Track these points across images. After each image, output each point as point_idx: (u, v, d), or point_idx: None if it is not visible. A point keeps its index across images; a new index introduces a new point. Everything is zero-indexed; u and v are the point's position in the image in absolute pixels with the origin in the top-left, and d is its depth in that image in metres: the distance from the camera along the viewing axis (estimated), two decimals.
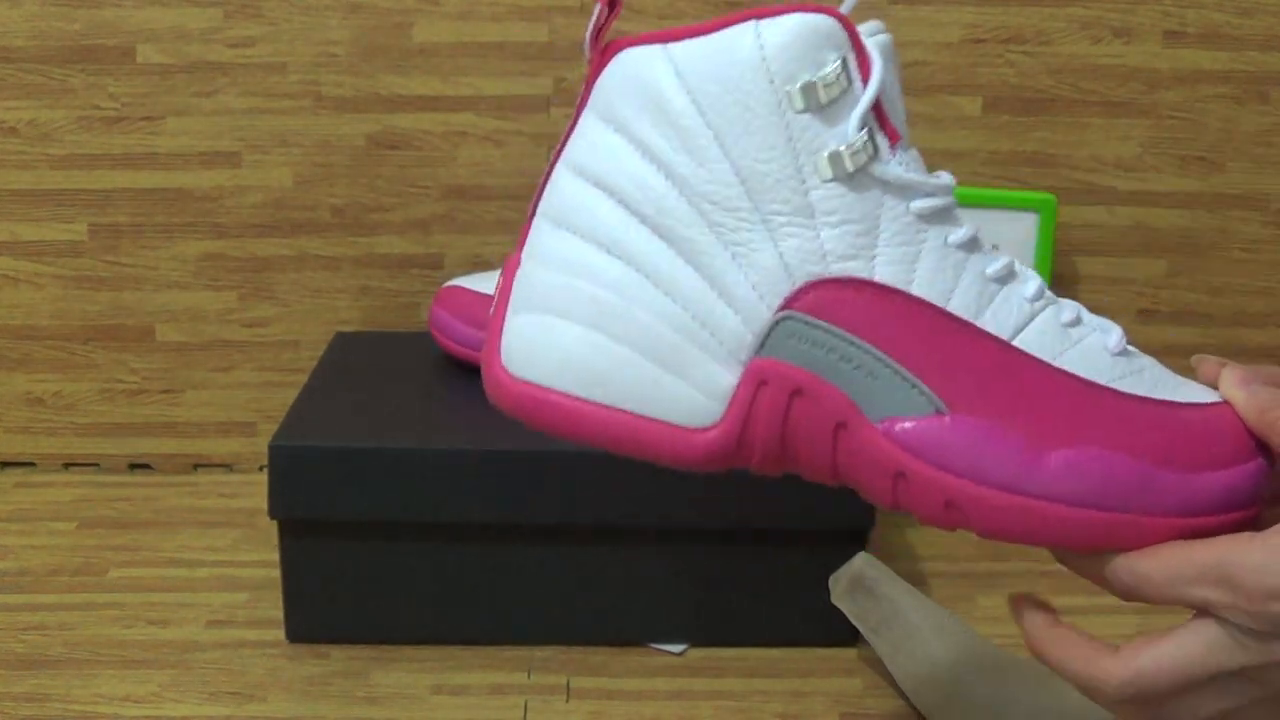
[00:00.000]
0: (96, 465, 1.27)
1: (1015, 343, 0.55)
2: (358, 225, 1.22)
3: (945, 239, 0.55)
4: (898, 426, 0.54)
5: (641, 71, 0.54)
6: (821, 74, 0.53)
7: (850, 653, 0.98)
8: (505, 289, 0.57)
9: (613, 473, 0.94)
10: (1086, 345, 0.56)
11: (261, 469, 1.27)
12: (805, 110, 0.53)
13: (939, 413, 0.54)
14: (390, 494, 0.95)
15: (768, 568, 0.97)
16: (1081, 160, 1.21)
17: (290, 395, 1.25)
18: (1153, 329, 1.24)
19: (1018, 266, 0.57)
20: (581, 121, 0.56)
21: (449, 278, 1.23)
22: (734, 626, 0.99)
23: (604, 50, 0.56)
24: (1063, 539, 0.54)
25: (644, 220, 0.55)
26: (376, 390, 1.05)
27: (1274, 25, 1.18)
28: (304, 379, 1.25)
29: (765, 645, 0.99)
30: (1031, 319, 0.56)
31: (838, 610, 0.98)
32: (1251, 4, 1.18)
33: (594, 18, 0.55)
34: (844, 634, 0.99)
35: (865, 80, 0.54)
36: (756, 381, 0.54)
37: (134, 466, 1.27)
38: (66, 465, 1.27)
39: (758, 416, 0.55)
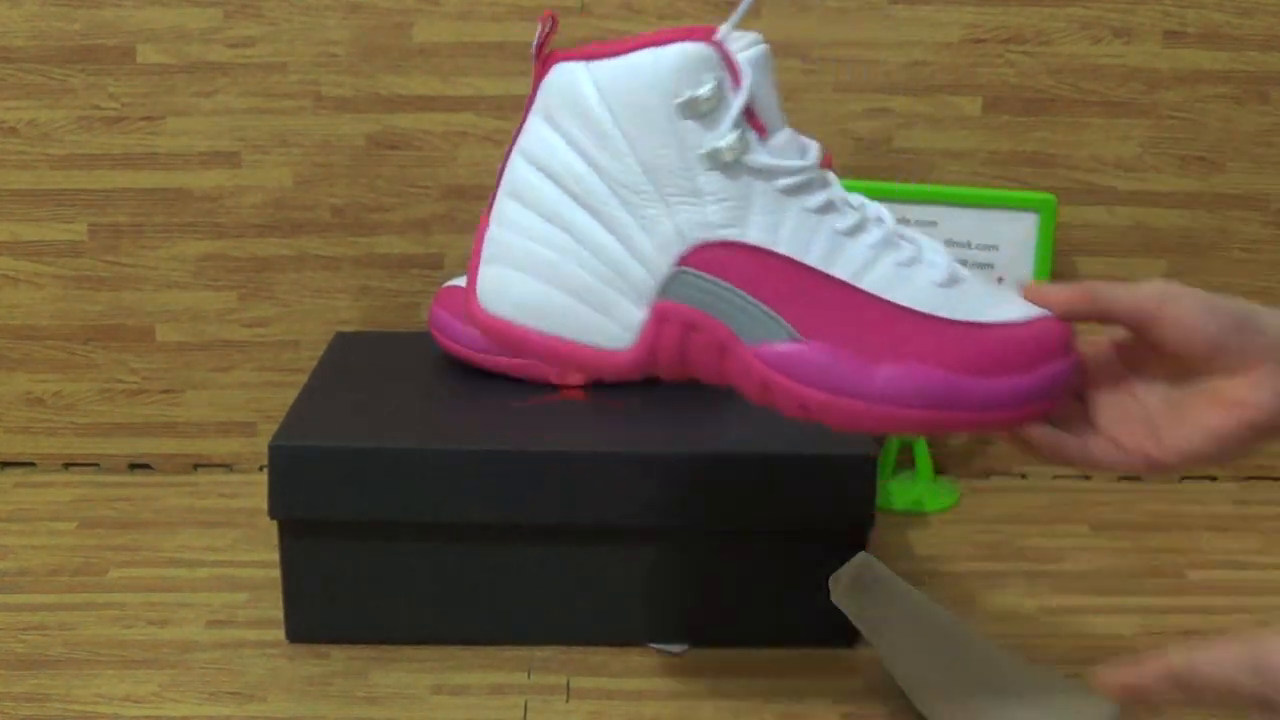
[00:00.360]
0: (96, 465, 1.27)
1: (859, 284, 0.71)
2: (358, 225, 1.22)
3: (805, 205, 0.71)
4: (765, 350, 0.71)
5: (571, 83, 0.71)
6: (700, 92, 0.69)
7: (850, 653, 0.99)
8: (478, 244, 0.75)
9: (612, 473, 0.94)
10: (917, 282, 0.72)
11: (261, 469, 1.27)
12: (689, 118, 0.70)
13: (795, 340, 0.71)
14: (390, 494, 0.95)
15: (768, 568, 0.97)
16: (1081, 160, 1.21)
17: (290, 395, 1.25)
18: None
19: (870, 218, 0.73)
20: (530, 118, 0.73)
21: (449, 278, 1.23)
22: (734, 626, 0.99)
23: (545, 60, 0.72)
24: (889, 429, 0.71)
25: (574, 198, 0.72)
26: (376, 390, 1.05)
27: (1274, 25, 1.18)
28: (304, 379, 1.25)
29: (765, 645, 0.99)
30: (873, 263, 0.71)
31: (838, 610, 0.98)
32: (1251, 4, 1.18)
33: (538, 33, 0.71)
34: (844, 634, 0.99)
35: (738, 87, 0.69)
36: (660, 318, 0.72)
37: (134, 466, 1.28)
38: (66, 465, 1.27)
39: (661, 343, 0.73)
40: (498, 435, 0.96)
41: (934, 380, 0.70)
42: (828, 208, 0.71)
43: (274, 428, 1.26)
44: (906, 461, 1.28)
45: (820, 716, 0.91)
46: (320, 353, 1.25)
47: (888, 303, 0.71)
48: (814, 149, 0.72)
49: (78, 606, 1.03)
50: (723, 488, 0.95)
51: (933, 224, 1.18)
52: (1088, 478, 1.27)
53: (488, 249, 0.75)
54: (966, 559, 1.12)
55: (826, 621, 0.98)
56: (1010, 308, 0.73)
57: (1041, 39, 1.19)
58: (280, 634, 1.00)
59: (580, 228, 0.72)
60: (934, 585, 1.08)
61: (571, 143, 0.72)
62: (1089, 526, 1.18)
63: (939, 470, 1.28)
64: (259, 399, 1.25)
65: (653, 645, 0.99)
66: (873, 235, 0.72)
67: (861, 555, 0.94)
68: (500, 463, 0.94)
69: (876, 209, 0.74)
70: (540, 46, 0.71)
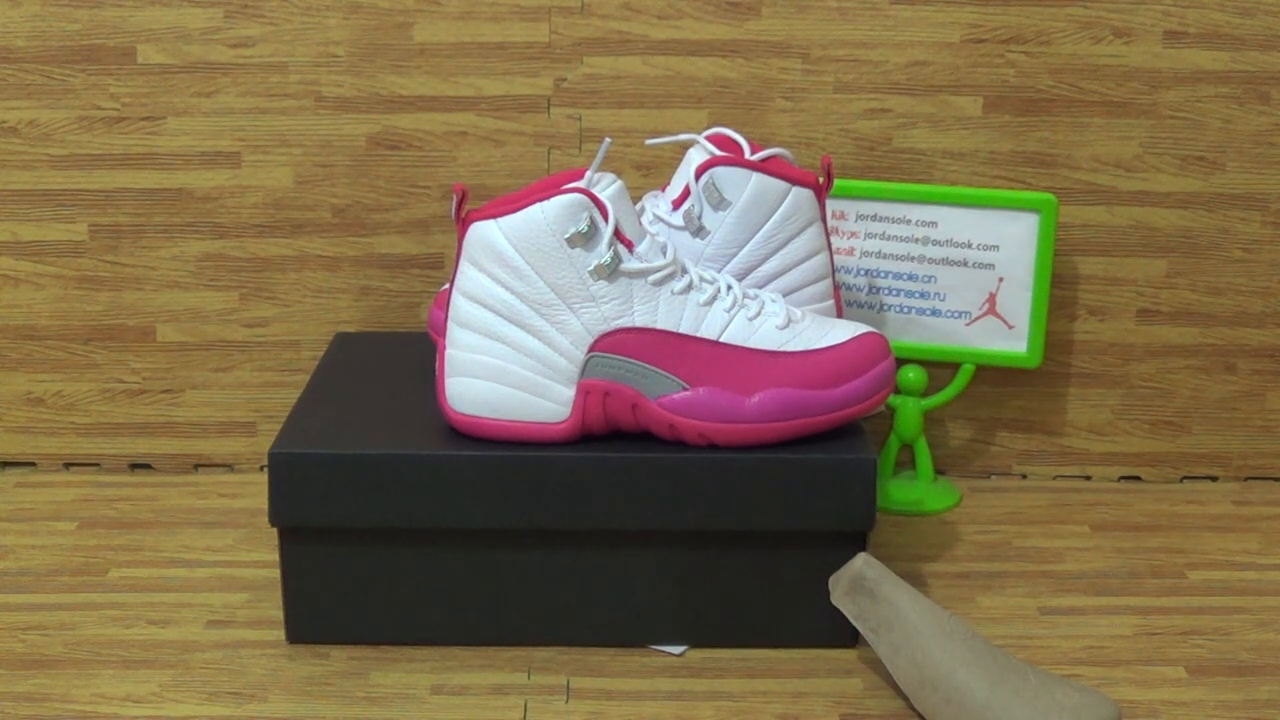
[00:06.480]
0: (97, 465, 1.27)
1: (721, 339, 0.95)
2: (358, 225, 1.22)
3: (671, 290, 0.95)
4: (665, 400, 0.95)
5: (488, 236, 0.94)
6: (579, 227, 0.92)
7: (850, 653, 0.99)
8: (440, 363, 0.97)
9: (612, 476, 0.94)
10: (763, 330, 0.97)
11: (262, 469, 1.27)
12: (575, 247, 0.93)
13: (685, 389, 0.95)
14: (391, 500, 0.95)
15: (768, 568, 0.98)
16: (1081, 160, 1.21)
17: (290, 395, 1.26)
18: (1153, 329, 1.24)
19: (721, 288, 0.96)
20: (461, 265, 0.95)
21: (448, 278, 1.23)
22: (734, 627, 0.99)
23: (464, 221, 0.94)
24: (768, 441, 0.96)
25: (505, 318, 0.94)
26: (376, 393, 1.05)
27: (1274, 25, 1.18)
28: (304, 379, 1.25)
29: (765, 646, 0.99)
30: (729, 323, 0.96)
31: (838, 611, 0.98)
32: (1251, 4, 1.18)
33: (454, 202, 0.93)
34: (844, 635, 0.99)
35: (606, 219, 0.93)
36: (584, 393, 0.95)
37: (135, 466, 1.28)
38: (67, 465, 1.27)
39: (589, 411, 0.95)
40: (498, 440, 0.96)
41: (790, 398, 0.95)
42: (688, 288, 0.95)
43: (274, 428, 1.26)
44: (907, 462, 1.28)
45: (820, 717, 0.91)
46: (320, 353, 1.25)
47: (745, 349, 0.96)
48: (671, 248, 0.95)
49: (78, 606, 1.03)
50: (724, 490, 0.95)
51: (933, 224, 1.18)
52: (1088, 478, 1.27)
53: (448, 366, 0.96)
54: (966, 559, 1.12)
55: (826, 622, 0.98)
56: (837, 333, 0.98)
57: (1041, 39, 1.19)
58: (280, 634, 1.00)
59: (513, 339, 0.94)
60: (934, 585, 1.08)
61: (495, 279, 0.94)
62: (1089, 526, 1.18)
63: (939, 470, 1.28)
64: (259, 399, 1.25)
65: (653, 645, 0.99)
66: (725, 301, 0.96)
67: (861, 556, 0.94)
68: (501, 467, 0.94)
69: (726, 279, 0.97)
70: (458, 211, 0.93)
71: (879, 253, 1.20)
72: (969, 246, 1.18)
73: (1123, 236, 1.22)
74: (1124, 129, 1.20)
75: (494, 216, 0.93)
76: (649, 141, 1.07)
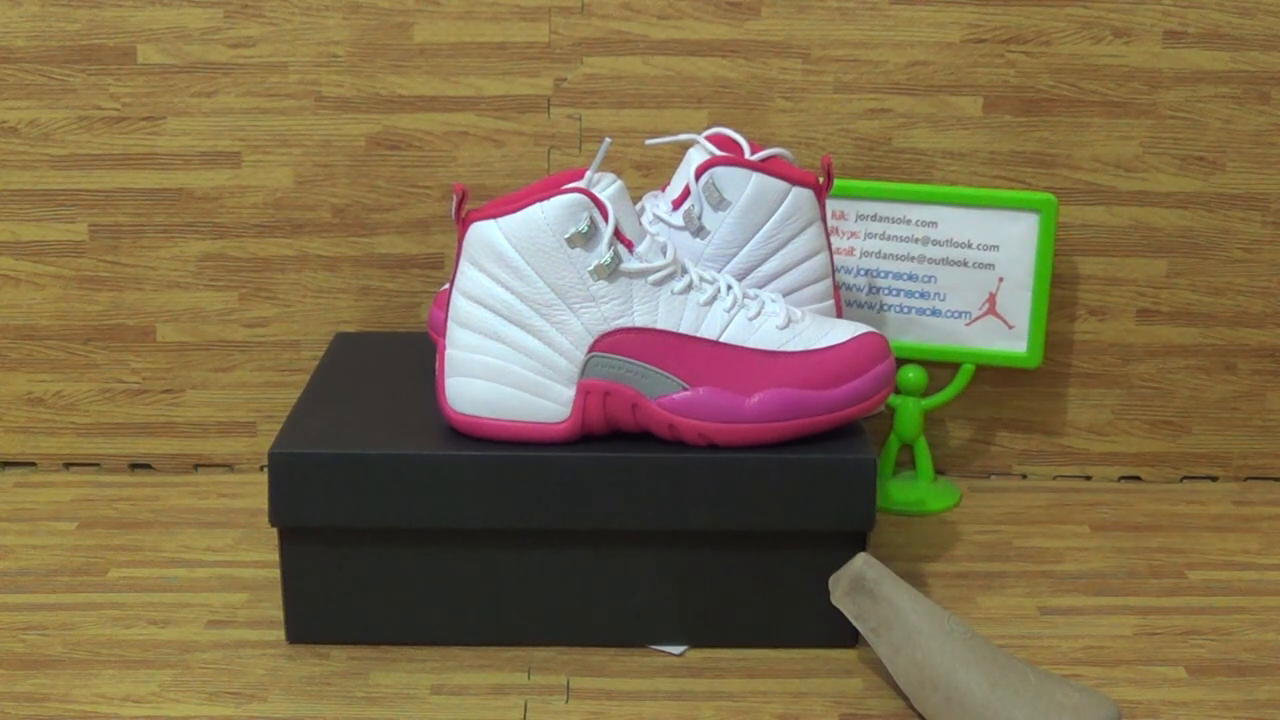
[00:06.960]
0: (97, 465, 1.27)
1: (721, 339, 0.96)
2: (358, 225, 1.22)
3: (671, 290, 0.95)
4: (664, 400, 0.95)
5: (487, 236, 0.94)
6: (579, 227, 0.93)
7: (850, 653, 0.99)
8: (440, 363, 0.97)
9: (612, 476, 0.94)
10: (763, 330, 0.97)
11: (262, 469, 1.27)
12: (575, 247, 0.93)
13: (684, 389, 0.95)
14: (391, 500, 0.95)
15: (768, 568, 0.97)
16: (1081, 160, 1.21)
17: (290, 395, 1.26)
18: (1153, 329, 1.24)
19: (721, 288, 0.96)
20: (461, 265, 0.95)
21: (448, 278, 1.23)
22: (734, 627, 0.99)
23: (464, 221, 0.95)
24: (768, 441, 0.96)
25: (505, 318, 0.94)
26: (376, 393, 1.05)
27: (1274, 25, 1.18)
28: (304, 379, 1.25)
29: (765, 646, 0.99)
30: (729, 323, 0.96)
31: (838, 611, 0.98)
32: (1251, 4, 1.18)
33: (454, 202, 0.93)
34: (844, 634, 0.99)
35: (606, 219, 0.93)
36: (584, 393, 0.95)
37: (135, 466, 1.28)
38: (67, 465, 1.27)
39: (589, 411, 0.95)
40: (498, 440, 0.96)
41: (790, 398, 0.95)
42: (689, 288, 0.95)
43: (274, 428, 1.26)
44: (907, 462, 1.28)
45: (820, 716, 0.91)
46: (320, 353, 1.25)
47: (745, 349, 0.96)
48: (671, 248, 0.96)
49: (78, 606, 1.03)
50: (724, 490, 0.95)
51: (933, 224, 1.18)
52: (1088, 478, 1.27)
53: (448, 366, 0.96)
54: (966, 559, 1.12)
55: (826, 622, 0.98)
56: (837, 333, 0.98)
57: (1041, 39, 1.19)
58: (280, 634, 1.00)
59: (513, 338, 0.94)
60: (934, 585, 1.08)
61: (495, 279, 0.94)
62: (1089, 526, 1.18)
63: (939, 470, 1.28)
64: (259, 399, 1.25)
65: (653, 645, 0.99)
66: (725, 301, 0.96)
67: (861, 556, 0.94)
68: (501, 467, 0.94)
69: (726, 279, 0.97)
70: (458, 211, 0.94)
71: (879, 253, 1.20)
72: (969, 246, 1.18)
73: (1123, 236, 1.22)
74: (1124, 129, 1.20)
75: (494, 216, 0.94)
76: (649, 141, 1.07)
